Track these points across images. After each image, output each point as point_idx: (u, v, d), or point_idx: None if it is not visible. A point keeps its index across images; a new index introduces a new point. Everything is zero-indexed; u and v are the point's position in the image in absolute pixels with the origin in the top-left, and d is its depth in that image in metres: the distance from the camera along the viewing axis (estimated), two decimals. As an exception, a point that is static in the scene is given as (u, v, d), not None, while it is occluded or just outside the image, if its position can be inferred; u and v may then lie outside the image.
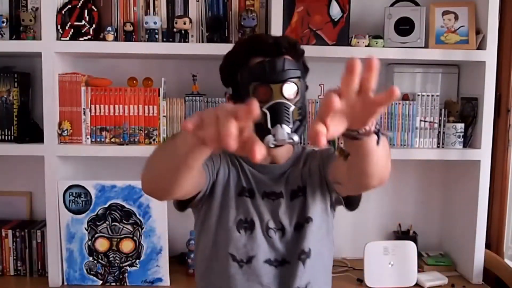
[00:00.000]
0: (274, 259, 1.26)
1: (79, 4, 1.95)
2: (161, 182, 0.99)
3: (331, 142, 1.18)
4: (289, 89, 1.16)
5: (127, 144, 1.95)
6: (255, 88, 1.16)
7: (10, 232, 2.03)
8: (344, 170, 1.07)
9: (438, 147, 2.05)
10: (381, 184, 1.04)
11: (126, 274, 1.97)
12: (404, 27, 2.00)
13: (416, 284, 1.98)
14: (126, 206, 1.94)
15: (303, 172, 1.32)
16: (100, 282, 1.97)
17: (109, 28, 1.92)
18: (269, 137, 1.07)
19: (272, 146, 1.08)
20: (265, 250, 1.25)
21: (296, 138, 1.07)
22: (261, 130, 0.99)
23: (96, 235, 1.95)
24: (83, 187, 1.94)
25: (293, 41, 1.26)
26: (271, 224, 1.27)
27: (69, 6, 1.95)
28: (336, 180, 1.20)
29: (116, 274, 1.97)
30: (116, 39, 1.96)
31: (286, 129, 1.08)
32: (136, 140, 1.97)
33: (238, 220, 1.26)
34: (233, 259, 1.25)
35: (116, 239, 1.96)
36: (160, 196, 1.11)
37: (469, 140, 2.06)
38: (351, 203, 1.30)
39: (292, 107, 1.14)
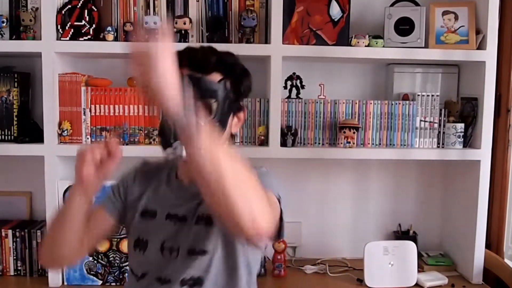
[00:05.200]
0: (163, 278, 1.24)
1: (79, 4, 1.95)
2: (56, 244, 1.21)
3: None
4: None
5: (127, 144, 1.95)
6: None
7: (10, 232, 2.03)
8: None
9: (438, 147, 2.05)
10: (255, 230, 0.94)
11: (126, 274, 1.97)
12: (404, 27, 2.00)
13: (416, 284, 1.98)
14: (126, 206, 1.94)
15: None
16: (100, 282, 1.97)
17: (109, 28, 1.92)
18: (168, 150, 1.11)
19: (170, 158, 1.14)
20: (156, 268, 1.26)
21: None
22: (166, 141, 1.12)
23: (96, 235, 1.95)
24: (83, 187, 1.94)
25: (224, 58, 1.23)
26: (167, 244, 1.26)
27: (69, 6, 1.95)
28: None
29: (116, 274, 1.97)
30: (116, 39, 1.96)
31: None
32: (136, 140, 1.97)
33: (135, 239, 1.31)
34: (132, 273, 1.32)
35: (116, 239, 1.96)
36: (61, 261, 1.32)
37: (469, 140, 2.06)
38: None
39: None
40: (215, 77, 1.20)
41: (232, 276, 1.24)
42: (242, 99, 1.30)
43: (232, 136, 1.31)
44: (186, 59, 1.16)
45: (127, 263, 1.96)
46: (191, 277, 1.21)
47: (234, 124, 1.28)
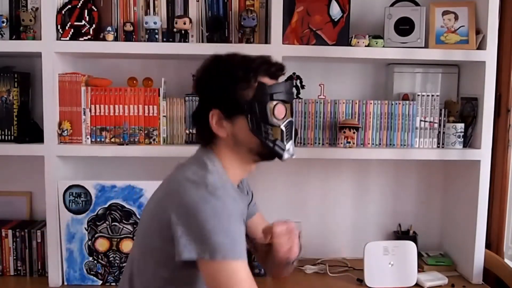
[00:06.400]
0: None
1: (79, 4, 1.95)
2: None
3: None
4: (291, 109, 1.33)
5: (127, 144, 1.95)
6: (275, 106, 1.26)
7: (10, 232, 2.03)
8: (263, 253, 1.50)
9: (438, 147, 2.05)
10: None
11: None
12: (404, 27, 2.00)
13: (416, 284, 1.98)
14: (126, 206, 1.94)
15: None
16: (100, 282, 1.97)
17: (109, 28, 1.92)
18: (287, 152, 1.28)
19: (286, 159, 1.29)
20: None
21: (294, 152, 1.32)
22: (278, 146, 1.26)
23: (96, 235, 1.95)
24: (83, 187, 1.94)
25: (285, 68, 1.35)
26: None
27: (69, 6, 1.95)
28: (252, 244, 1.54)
29: (116, 274, 1.97)
30: (116, 39, 1.96)
31: (293, 144, 1.31)
32: (136, 140, 1.97)
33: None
34: None
35: (116, 239, 1.96)
36: None
37: (469, 140, 2.06)
38: None
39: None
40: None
41: None
42: None
43: None
44: (268, 66, 1.29)
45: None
46: None
47: None
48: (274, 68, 1.29)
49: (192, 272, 1.20)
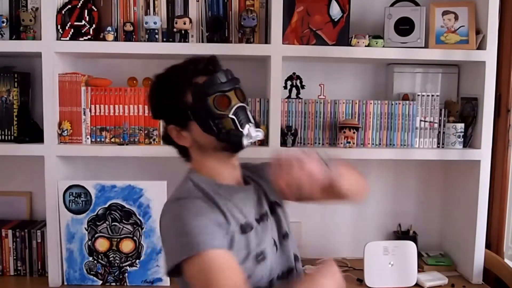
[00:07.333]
0: (287, 268, 1.35)
1: (79, 4, 1.95)
2: None
3: None
4: (241, 93, 1.29)
5: (127, 144, 1.95)
6: (214, 100, 1.25)
7: (10, 232, 2.03)
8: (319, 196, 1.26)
9: (438, 147, 2.05)
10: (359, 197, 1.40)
11: (126, 274, 1.97)
12: (404, 27, 2.00)
13: (416, 284, 1.98)
14: (126, 206, 1.94)
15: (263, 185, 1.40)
16: (100, 282, 1.97)
17: (109, 28, 1.92)
18: (245, 138, 1.23)
19: (248, 144, 1.25)
20: (280, 265, 1.32)
21: (261, 134, 1.28)
22: (233, 135, 1.23)
23: (96, 235, 1.95)
24: (83, 187, 1.94)
25: (216, 58, 1.32)
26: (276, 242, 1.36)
27: (69, 6, 1.95)
28: (302, 197, 1.29)
29: (116, 274, 1.97)
30: (116, 39, 1.96)
31: (252, 129, 1.26)
32: (136, 140, 1.97)
33: (254, 255, 1.26)
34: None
35: (116, 239, 1.96)
36: None
37: (469, 140, 2.06)
38: None
39: (248, 108, 1.29)
40: None
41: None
42: None
43: None
44: (199, 65, 1.28)
45: (127, 263, 1.96)
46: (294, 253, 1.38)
47: None
48: (201, 65, 1.27)
49: None
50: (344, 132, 1.98)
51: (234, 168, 1.34)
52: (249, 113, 1.28)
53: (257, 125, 1.28)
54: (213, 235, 1.14)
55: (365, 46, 1.97)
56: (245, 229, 1.25)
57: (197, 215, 1.16)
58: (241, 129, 1.24)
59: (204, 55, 1.30)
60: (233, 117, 1.24)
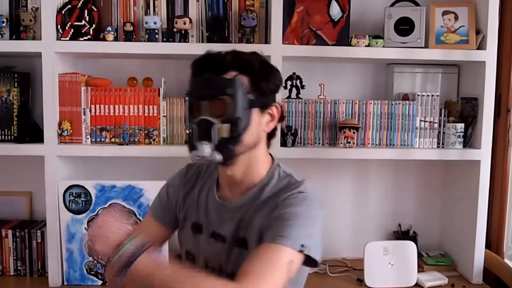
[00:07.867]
0: None
1: (79, 4, 1.95)
2: None
3: None
4: (216, 107, 1.16)
5: (127, 144, 1.95)
6: (189, 103, 1.22)
7: (10, 232, 2.03)
8: None
9: (438, 147, 2.05)
10: None
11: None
12: (404, 27, 2.00)
13: (416, 284, 1.98)
14: (126, 206, 1.94)
15: (253, 219, 1.22)
16: (100, 282, 1.97)
17: (109, 28, 1.92)
18: (193, 152, 1.15)
19: (196, 161, 1.17)
20: None
21: (218, 156, 1.14)
22: (190, 144, 1.17)
23: (96, 235, 1.95)
24: (83, 187, 1.94)
25: (241, 56, 1.21)
26: (210, 263, 1.27)
27: (69, 6, 1.95)
28: None
29: (116, 274, 1.97)
30: (116, 39, 1.96)
31: (206, 147, 1.14)
32: (136, 140, 1.97)
33: (185, 250, 1.35)
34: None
35: (116, 239, 1.96)
36: None
37: (469, 140, 2.06)
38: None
39: (218, 125, 1.15)
40: (230, 75, 1.18)
41: None
42: (268, 96, 1.23)
43: (270, 135, 1.27)
44: (204, 63, 1.20)
45: (127, 263, 1.96)
46: None
47: (266, 122, 1.23)
48: (195, 64, 1.22)
49: None
50: (344, 132, 1.98)
51: (227, 177, 1.25)
52: (214, 130, 1.14)
53: (219, 147, 1.15)
54: (155, 203, 1.43)
55: (365, 46, 1.97)
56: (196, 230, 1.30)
57: (164, 187, 1.40)
58: (194, 143, 1.15)
59: (218, 53, 1.22)
60: (195, 127, 1.16)
